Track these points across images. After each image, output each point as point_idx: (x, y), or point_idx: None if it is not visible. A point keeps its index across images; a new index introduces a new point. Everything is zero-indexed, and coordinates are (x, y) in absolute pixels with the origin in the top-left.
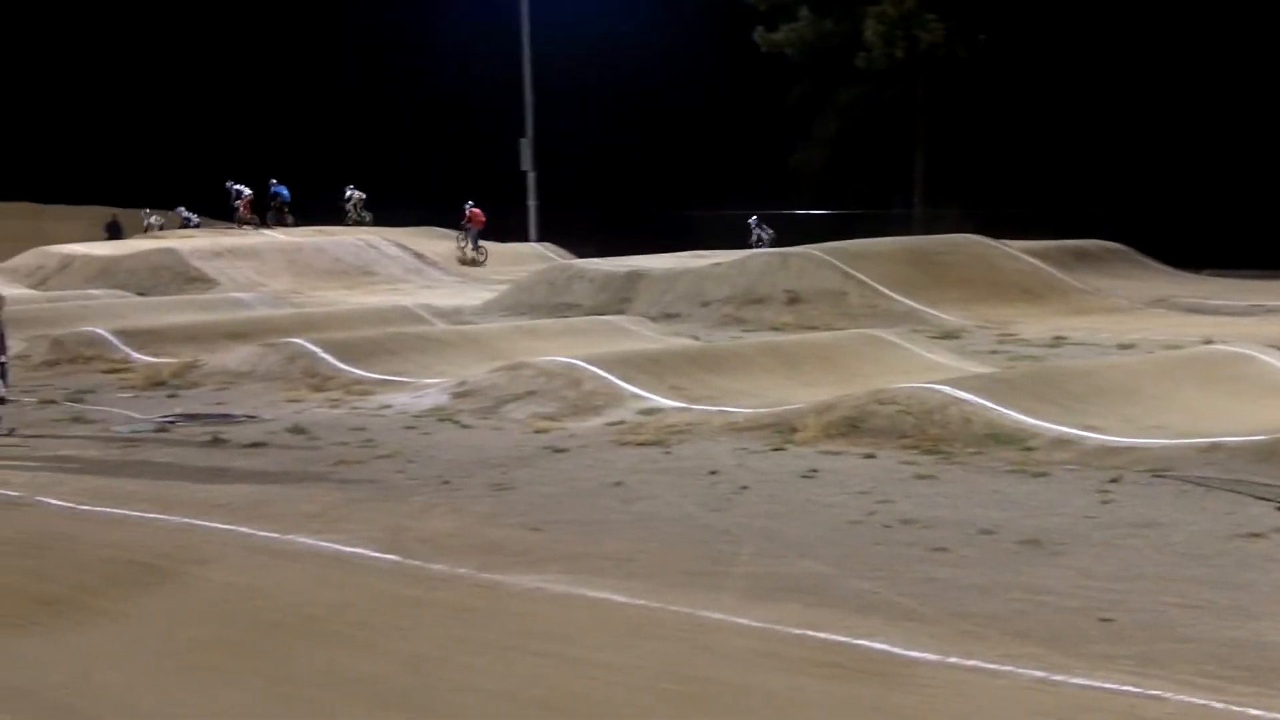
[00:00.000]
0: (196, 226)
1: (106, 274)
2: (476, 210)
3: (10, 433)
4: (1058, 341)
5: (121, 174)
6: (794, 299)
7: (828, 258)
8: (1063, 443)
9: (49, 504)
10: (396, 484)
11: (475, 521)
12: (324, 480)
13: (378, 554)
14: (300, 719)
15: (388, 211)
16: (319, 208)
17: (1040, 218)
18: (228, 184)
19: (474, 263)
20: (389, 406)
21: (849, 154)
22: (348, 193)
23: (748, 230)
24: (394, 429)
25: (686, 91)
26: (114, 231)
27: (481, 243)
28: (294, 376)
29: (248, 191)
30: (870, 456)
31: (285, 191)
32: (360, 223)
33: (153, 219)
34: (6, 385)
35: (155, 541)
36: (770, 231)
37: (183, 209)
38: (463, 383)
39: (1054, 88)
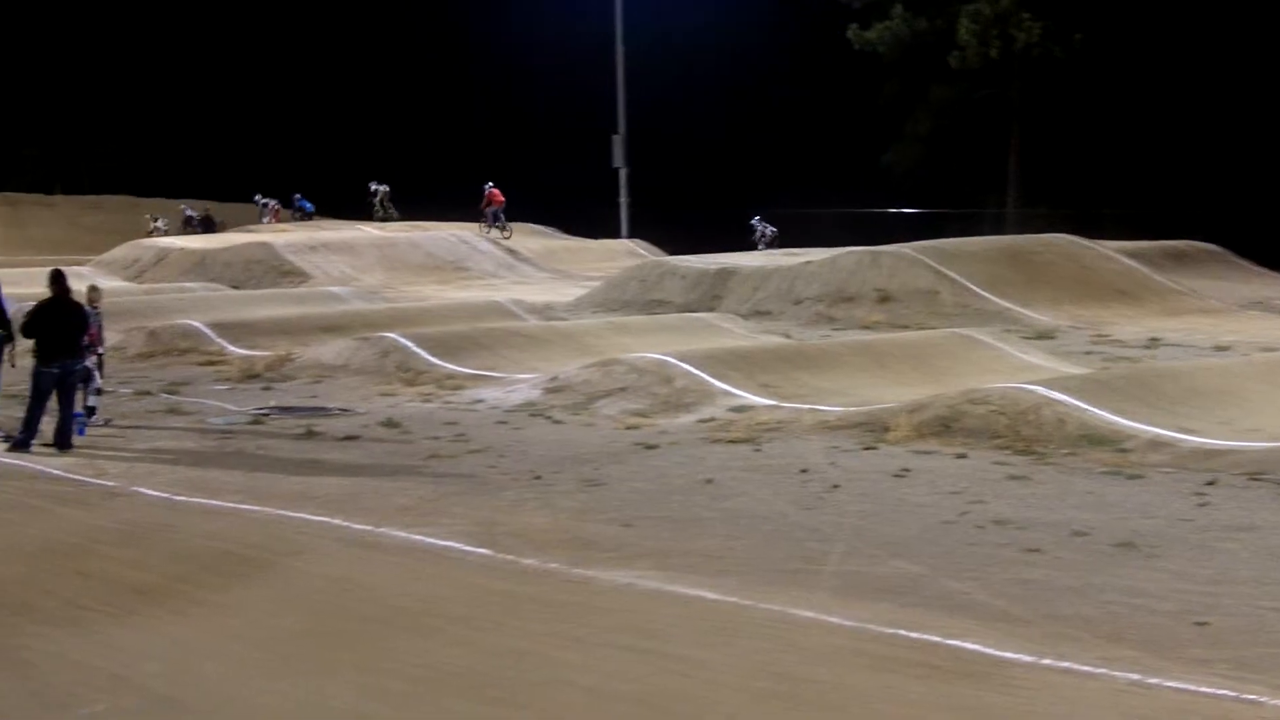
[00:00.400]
0: (198, 225)
1: (201, 267)
2: (495, 190)
3: (107, 423)
4: (1153, 343)
5: (216, 169)
6: (885, 298)
7: (920, 256)
8: (1158, 445)
9: (145, 494)
10: (488, 478)
11: (567, 517)
12: (416, 474)
13: (470, 548)
14: (394, 710)
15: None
16: (413, 206)
17: (1135, 218)
18: (255, 198)
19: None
20: (481, 401)
21: (941, 153)
22: (373, 187)
23: (750, 230)
24: (486, 424)
25: (778, 89)
26: (207, 226)
27: (507, 221)
28: (387, 370)
29: (274, 202)
30: (962, 456)
31: (309, 205)
32: (388, 219)
33: (158, 223)
34: (103, 376)
35: (250, 533)
36: (773, 229)
37: (186, 206)
38: (554, 378)
39: (1150, 88)
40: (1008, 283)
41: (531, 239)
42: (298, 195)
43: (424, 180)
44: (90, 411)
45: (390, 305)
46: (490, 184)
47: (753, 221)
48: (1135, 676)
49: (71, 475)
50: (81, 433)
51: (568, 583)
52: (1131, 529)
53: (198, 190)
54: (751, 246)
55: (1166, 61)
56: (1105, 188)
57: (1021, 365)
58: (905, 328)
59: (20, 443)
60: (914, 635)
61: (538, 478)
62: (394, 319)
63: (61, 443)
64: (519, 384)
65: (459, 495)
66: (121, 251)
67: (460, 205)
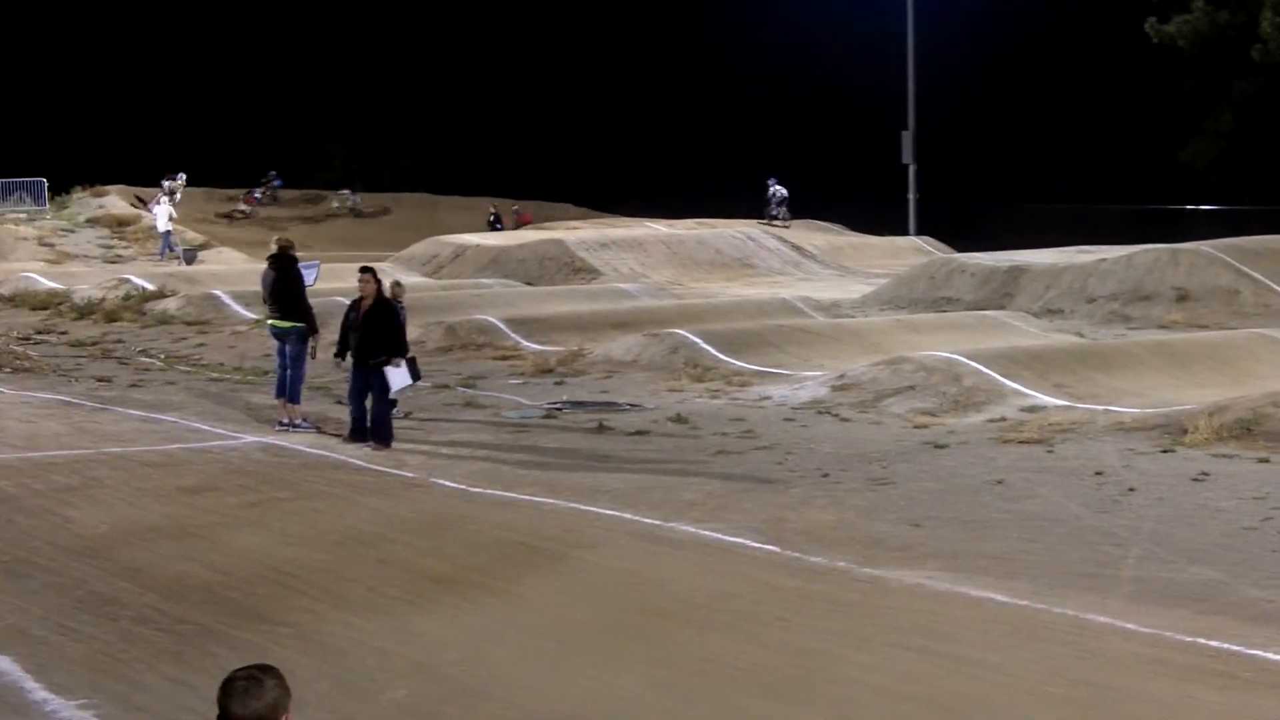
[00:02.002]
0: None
1: (496, 264)
2: (527, 214)
3: (407, 416)
4: None
5: (509, 168)
6: (1183, 296)
7: (1220, 255)
8: None
9: (443, 485)
10: (775, 475)
11: (854, 515)
12: (704, 470)
13: (757, 544)
14: (682, 703)
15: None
16: (699, 203)
17: None
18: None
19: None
20: (768, 398)
21: (1242, 148)
22: (771, 188)
23: (765, 188)
24: (773, 420)
25: (1072, 83)
26: (495, 223)
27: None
28: (676, 366)
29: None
30: (1265, 461)
31: (280, 182)
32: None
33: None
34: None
35: (543, 524)
36: (784, 191)
37: (184, 176)
38: (841, 376)
39: None
40: None
41: (818, 236)
42: (273, 172)
43: (709, 177)
44: (391, 404)
45: (679, 302)
46: (516, 208)
47: (768, 181)
48: None
49: (373, 466)
50: None
51: (855, 581)
52: None
53: (489, 189)
54: (765, 205)
55: None
56: None
57: None
58: (1204, 327)
59: (386, 438)
60: (1214, 644)
61: (825, 475)
62: (682, 315)
63: (365, 435)
64: (806, 381)
65: (746, 491)
66: (420, 248)
67: (747, 202)
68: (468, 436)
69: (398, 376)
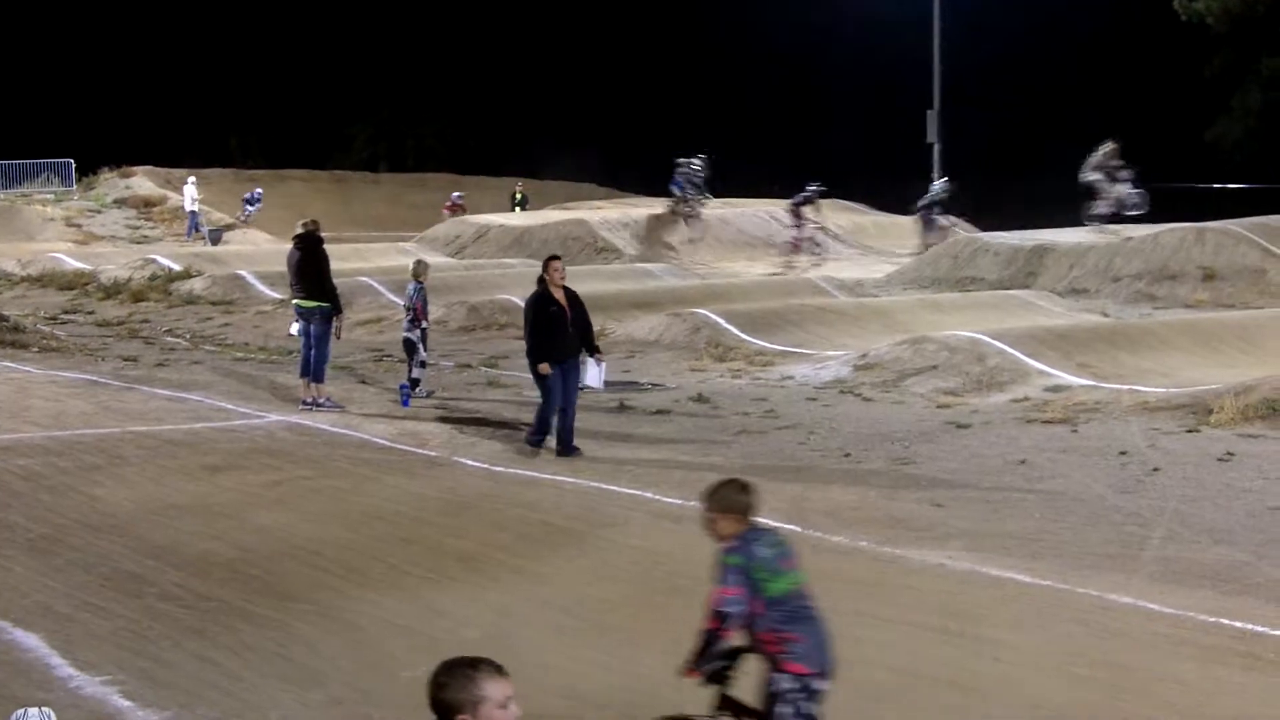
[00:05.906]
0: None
1: (520, 244)
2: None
3: (430, 395)
4: None
5: (527, 147)
6: (1209, 275)
7: (1247, 233)
8: None
9: (466, 464)
10: (798, 455)
11: (876, 495)
12: (726, 449)
13: (780, 524)
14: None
15: (792, 184)
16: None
17: None
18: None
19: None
20: (790, 378)
21: (1271, 127)
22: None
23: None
24: (795, 400)
25: (1100, 60)
26: (522, 204)
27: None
28: (698, 346)
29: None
30: None
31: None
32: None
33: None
34: (427, 350)
35: (565, 503)
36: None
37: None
38: (864, 355)
39: None
40: None
41: (841, 215)
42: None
43: (731, 157)
44: (414, 384)
45: (702, 281)
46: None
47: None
48: None
49: (396, 445)
50: (406, 404)
51: (877, 561)
52: None
53: (513, 168)
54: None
55: None
56: None
57: None
58: (1231, 307)
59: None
60: (1238, 624)
61: (847, 455)
62: (705, 295)
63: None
64: (829, 361)
65: (768, 471)
66: (444, 228)
67: (766, 181)
68: (491, 415)
69: (594, 373)
